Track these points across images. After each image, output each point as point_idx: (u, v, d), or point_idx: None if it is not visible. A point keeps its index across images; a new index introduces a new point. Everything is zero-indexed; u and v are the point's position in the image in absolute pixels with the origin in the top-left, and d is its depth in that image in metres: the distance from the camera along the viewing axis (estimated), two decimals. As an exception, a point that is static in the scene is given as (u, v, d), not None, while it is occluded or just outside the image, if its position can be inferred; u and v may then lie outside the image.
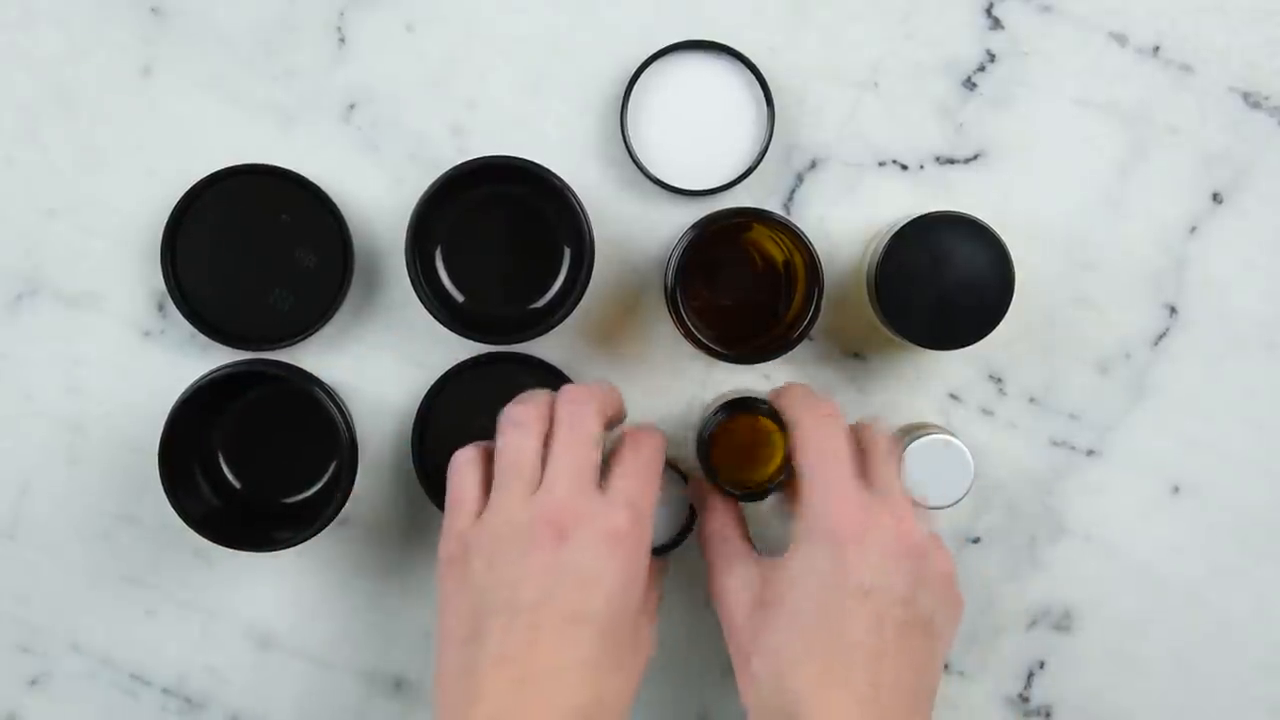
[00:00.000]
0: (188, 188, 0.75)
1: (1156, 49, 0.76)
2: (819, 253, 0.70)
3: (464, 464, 0.67)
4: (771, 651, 0.62)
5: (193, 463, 0.76)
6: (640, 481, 0.64)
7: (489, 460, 0.67)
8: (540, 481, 0.63)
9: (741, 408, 0.71)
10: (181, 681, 0.80)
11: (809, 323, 0.70)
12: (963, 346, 0.71)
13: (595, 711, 0.59)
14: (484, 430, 0.76)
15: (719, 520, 0.70)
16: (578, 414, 0.65)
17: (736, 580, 0.66)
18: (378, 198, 0.77)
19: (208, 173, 0.75)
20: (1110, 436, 0.78)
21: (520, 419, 0.65)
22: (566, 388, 0.67)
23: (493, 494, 0.64)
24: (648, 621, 0.65)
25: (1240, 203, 0.77)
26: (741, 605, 0.65)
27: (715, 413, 0.71)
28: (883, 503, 0.64)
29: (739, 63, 0.75)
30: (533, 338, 0.73)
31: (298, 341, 0.76)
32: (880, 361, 0.78)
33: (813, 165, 0.77)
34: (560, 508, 0.61)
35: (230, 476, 0.78)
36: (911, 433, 0.74)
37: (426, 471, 0.76)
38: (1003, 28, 0.76)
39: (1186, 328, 0.77)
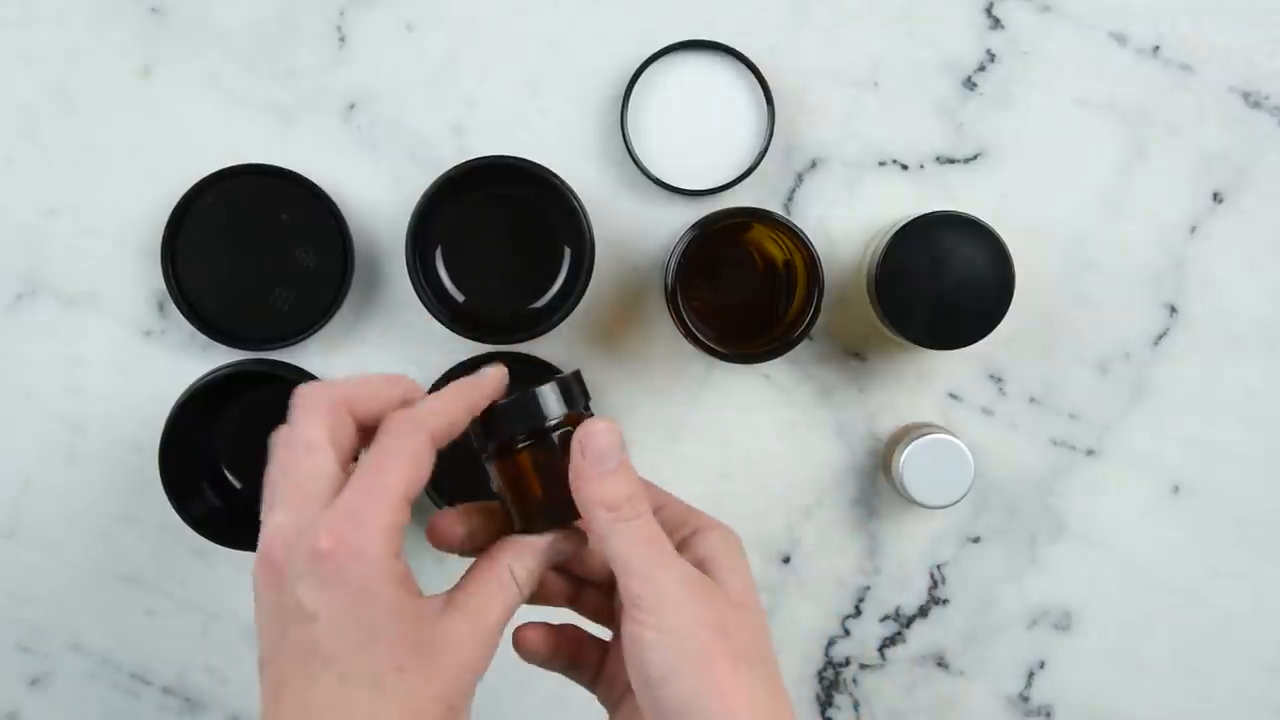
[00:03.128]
0: (188, 188, 0.75)
1: (1156, 49, 0.76)
2: (819, 253, 0.70)
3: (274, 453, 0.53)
4: None
5: (193, 462, 0.76)
6: (362, 485, 0.50)
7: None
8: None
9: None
10: (181, 681, 0.80)
11: (809, 323, 0.70)
12: (963, 346, 0.71)
13: None
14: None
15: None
16: (292, 418, 0.52)
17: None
18: (378, 198, 0.77)
19: (208, 173, 0.75)
20: (1110, 436, 0.78)
21: (290, 440, 0.52)
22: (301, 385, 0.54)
23: None
24: (461, 627, 0.52)
25: (1240, 203, 0.77)
26: None
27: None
28: None
29: (739, 63, 0.75)
30: (533, 338, 0.73)
31: (298, 341, 0.76)
32: (880, 361, 0.78)
33: (813, 165, 0.77)
34: (269, 540, 0.50)
35: (230, 476, 0.78)
36: (911, 433, 0.74)
37: (426, 471, 0.76)
38: (1003, 27, 0.76)
39: (1186, 328, 0.77)
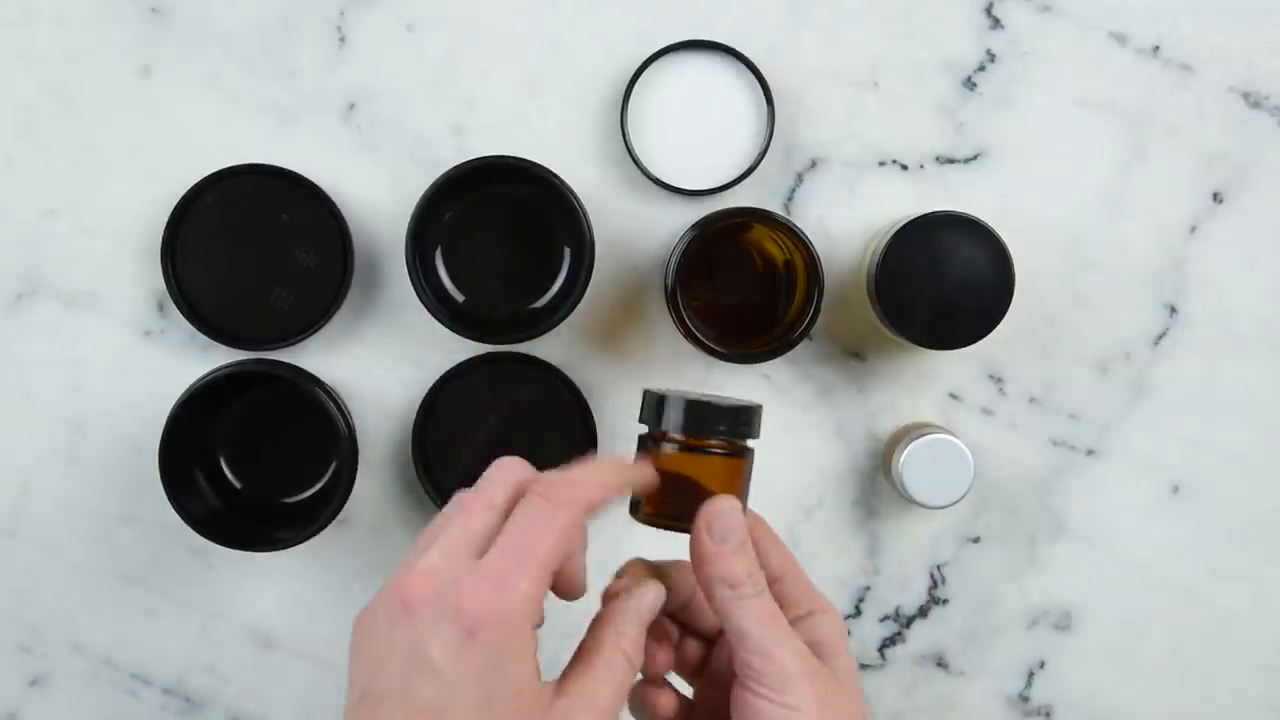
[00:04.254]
0: (188, 188, 0.75)
1: (1156, 49, 0.76)
2: (819, 253, 0.70)
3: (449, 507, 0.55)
4: None
5: (193, 463, 0.76)
6: (513, 550, 0.50)
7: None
8: None
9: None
10: (181, 681, 0.80)
11: (809, 323, 0.70)
12: (963, 346, 0.71)
13: None
14: (484, 430, 0.77)
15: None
16: (485, 484, 0.54)
17: None
18: (378, 198, 0.77)
19: (208, 173, 0.75)
20: (1110, 436, 0.78)
21: (458, 498, 0.54)
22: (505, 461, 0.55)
23: None
24: (581, 712, 0.52)
25: (1240, 203, 0.77)
26: None
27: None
28: None
29: (739, 63, 0.75)
30: (533, 338, 0.73)
31: (298, 341, 0.76)
32: (880, 361, 0.78)
33: (813, 165, 0.77)
34: (415, 579, 0.50)
35: (230, 476, 0.78)
36: (911, 433, 0.74)
37: (427, 471, 0.76)
38: (1003, 27, 0.76)
39: (1186, 328, 0.77)
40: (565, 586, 0.57)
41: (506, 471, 0.54)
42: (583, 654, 0.54)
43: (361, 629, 0.52)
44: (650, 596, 0.56)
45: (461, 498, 0.54)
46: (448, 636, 0.49)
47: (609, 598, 0.56)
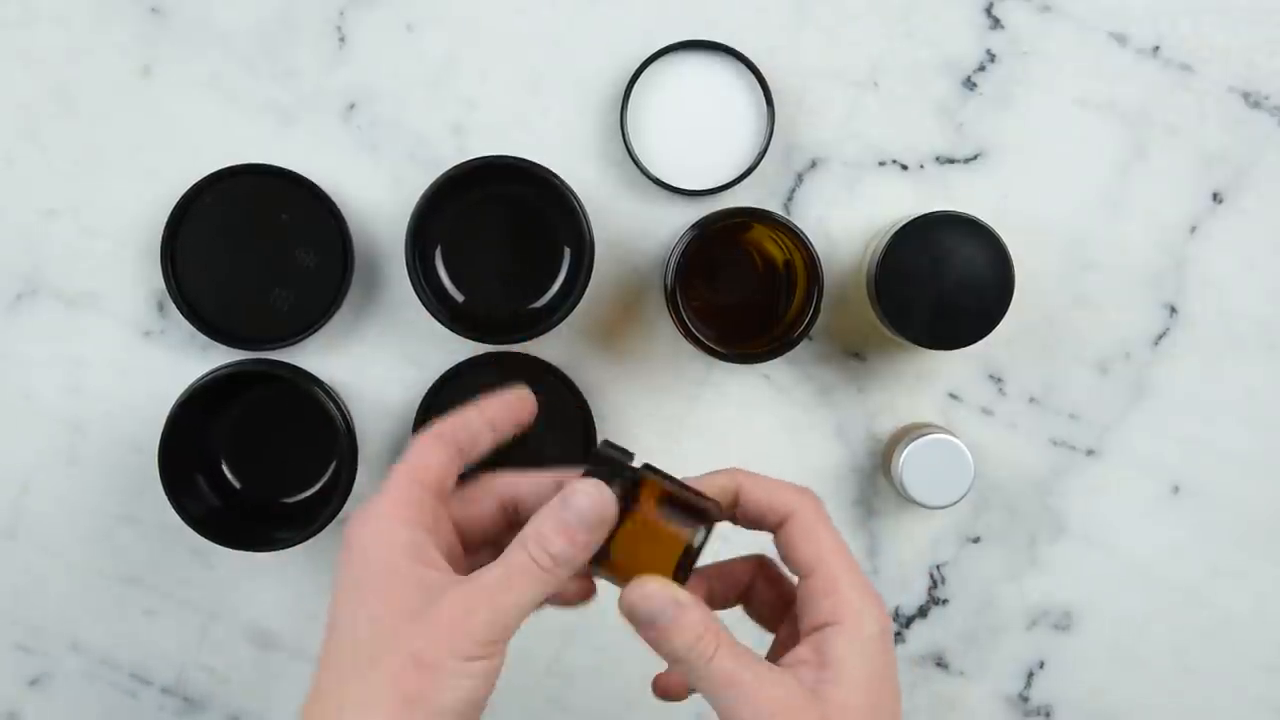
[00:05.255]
0: (188, 188, 0.75)
1: (1156, 49, 0.76)
2: (819, 253, 0.70)
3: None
4: None
5: (193, 462, 0.76)
6: (395, 469, 0.54)
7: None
8: None
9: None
10: (181, 681, 0.80)
11: (809, 323, 0.70)
12: (963, 346, 0.71)
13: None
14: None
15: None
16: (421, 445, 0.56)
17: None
18: (378, 198, 0.77)
19: (208, 173, 0.75)
20: (1110, 436, 0.78)
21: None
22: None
23: None
24: (468, 595, 0.51)
25: (1240, 203, 0.77)
26: None
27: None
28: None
29: (739, 63, 0.75)
30: (533, 338, 0.73)
31: (298, 341, 0.76)
32: (880, 361, 0.78)
33: (813, 165, 0.77)
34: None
35: (230, 476, 0.78)
36: (911, 433, 0.74)
37: (426, 471, 0.76)
38: (1003, 27, 0.76)
39: (1186, 328, 0.77)
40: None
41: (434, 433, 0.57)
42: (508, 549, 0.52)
43: None
44: (584, 501, 0.53)
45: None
46: (338, 558, 0.52)
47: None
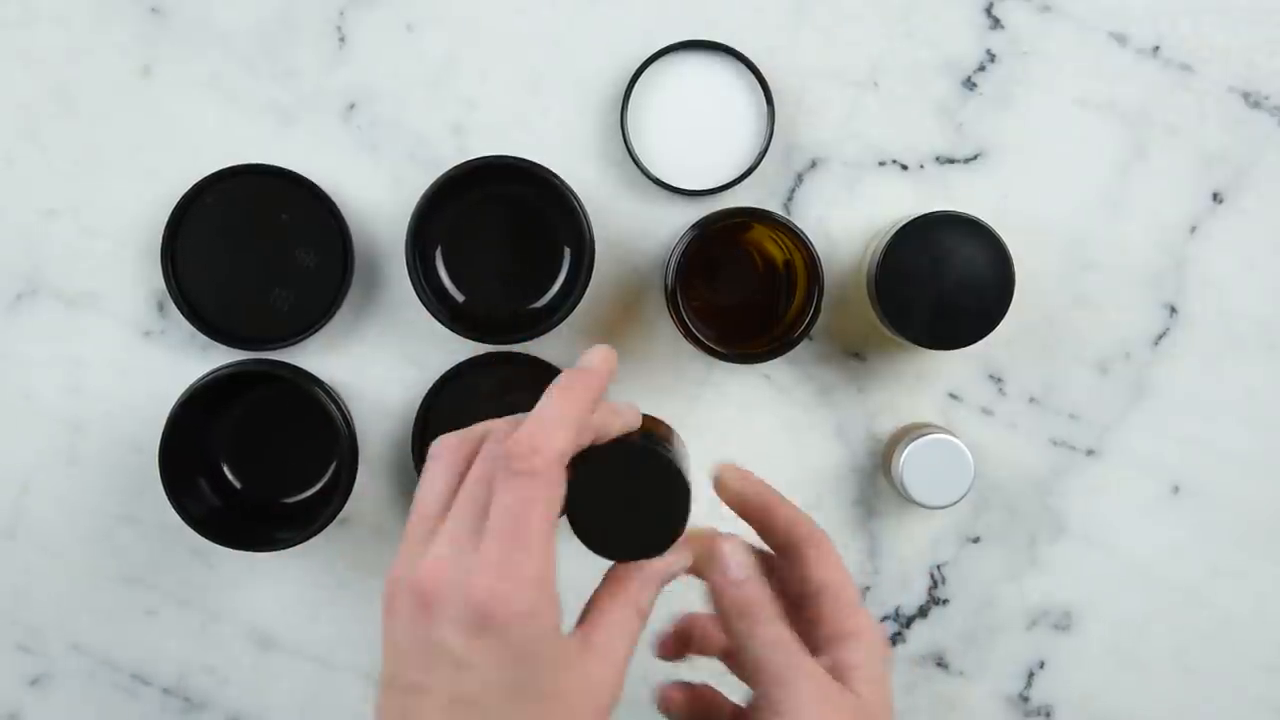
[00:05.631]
0: (188, 188, 0.75)
1: (1156, 49, 0.76)
2: (819, 253, 0.70)
3: (430, 462, 0.56)
4: None
5: (193, 462, 0.76)
6: (508, 534, 0.51)
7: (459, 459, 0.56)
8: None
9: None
10: (181, 681, 0.80)
11: (809, 323, 0.70)
12: (963, 346, 0.71)
13: None
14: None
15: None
16: (491, 453, 0.54)
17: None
18: (378, 198, 0.77)
19: (208, 173, 0.75)
20: (1110, 436, 0.78)
21: (437, 452, 0.55)
22: (496, 422, 0.55)
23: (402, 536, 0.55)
24: (599, 664, 0.53)
25: (1240, 203, 0.77)
26: None
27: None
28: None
29: (739, 63, 0.75)
30: (533, 338, 0.73)
31: (298, 341, 0.76)
32: (880, 361, 0.78)
33: (813, 165, 0.77)
34: (427, 572, 0.51)
35: (230, 476, 0.78)
36: (911, 433, 0.74)
37: (426, 471, 0.76)
38: (1003, 28, 0.76)
39: (1186, 328, 0.77)
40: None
41: (490, 445, 0.54)
42: (602, 610, 0.54)
43: (387, 614, 0.53)
44: (671, 561, 0.56)
45: (473, 470, 0.53)
46: (463, 628, 0.50)
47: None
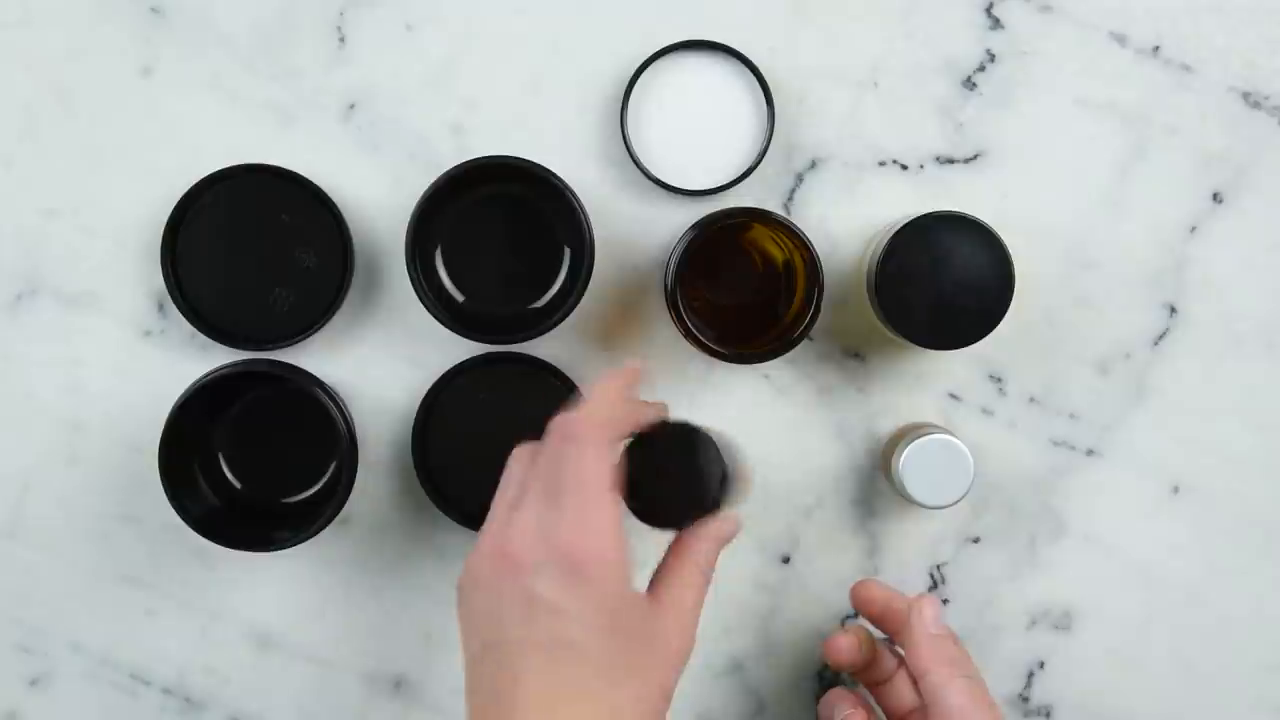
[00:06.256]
0: (188, 188, 0.75)
1: (1156, 49, 0.76)
2: (819, 253, 0.70)
3: (509, 465, 0.64)
4: None
5: (193, 463, 0.76)
6: (573, 492, 0.58)
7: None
8: None
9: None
10: (181, 681, 0.80)
11: (809, 323, 0.70)
12: (963, 346, 0.71)
13: None
14: (484, 430, 0.76)
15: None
16: (550, 441, 0.61)
17: None
18: (378, 198, 0.77)
19: (208, 173, 0.76)
20: (1110, 436, 0.78)
21: (519, 455, 0.64)
22: (560, 416, 0.62)
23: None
24: (675, 618, 0.61)
25: (1240, 203, 0.77)
26: None
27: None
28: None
29: (739, 63, 0.75)
30: (533, 338, 0.73)
31: (298, 341, 0.76)
32: (880, 361, 0.78)
33: (813, 165, 0.77)
34: (512, 535, 0.59)
35: (230, 476, 0.78)
36: (911, 433, 0.74)
37: (427, 471, 0.76)
38: (1003, 28, 0.76)
39: (1186, 328, 0.77)
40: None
41: (577, 420, 0.61)
42: (673, 568, 0.62)
43: (468, 589, 0.60)
44: (726, 525, 0.64)
45: (539, 455, 0.61)
46: (555, 578, 0.57)
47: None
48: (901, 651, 0.70)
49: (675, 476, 0.63)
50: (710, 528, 0.63)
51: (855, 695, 0.72)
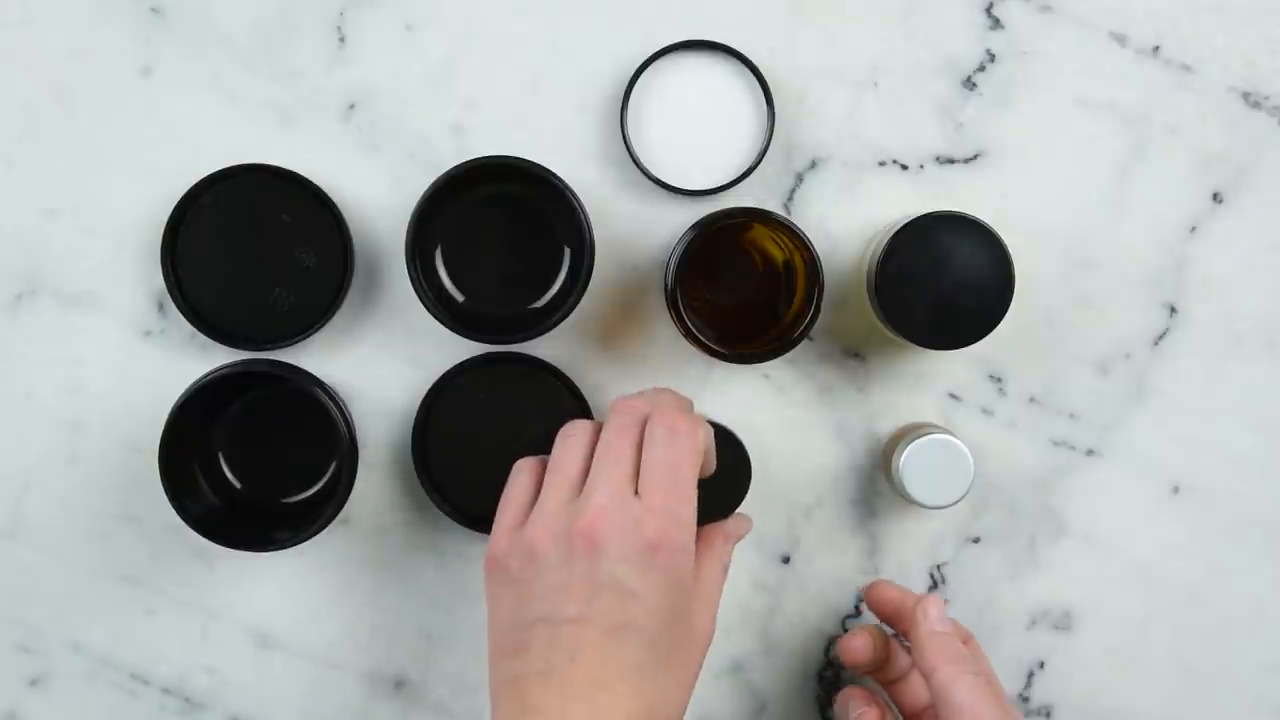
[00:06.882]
0: (188, 188, 0.75)
1: (1156, 49, 0.76)
2: (819, 253, 0.70)
3: (520, 469, 0.67)
4: None
5: (193, 463, 0.76)
6: (669, 484, 0.62)
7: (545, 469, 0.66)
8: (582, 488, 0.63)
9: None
10: (181, 681, 0.80)
11: (809, 323, 0.70)
12: (963, 346, 0.71)
13: (646, 716, 0.60)
14: (484, 430, 0.76)
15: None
16: (625, 424, 0.64)
17: None
18: (378, 198, 0.77)
19: (208, 173, 0.75)
20: (1110, 436, 0.78)
21: (571, 431, 0.66)
22: (619, 399, 0.66)
23: (539, 499, 0.64)
24: (704, 608, 0.65)
25: (1240, 203, 0.77)
26: None
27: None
28: None
29: (739, 63, 0.75)
30: (533, 338, 0.73)
31: (298, 341, 0.76)
32: (880, 361, 0.78)
33: (813, 165, 0.77)
34: (595, 517, 0.60)
35: (230, 476, 0.78)
36: (911, 433, 0.74)
37: (427, 471, 0.76)
38: (1003, 28, 0.76)
39: (1186, 328, 0.77)
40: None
41: (631, 414, 0.64)
42: (700, 562, 0.65)
43: (517, 568, 0.62)
44: (740, 523, 0.70)
45: (608, 441, 0.63)
46: (634, 563, 0.60)
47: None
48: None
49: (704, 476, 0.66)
50: (730, 527, 0.69)
51: (869, 693, 0.73)
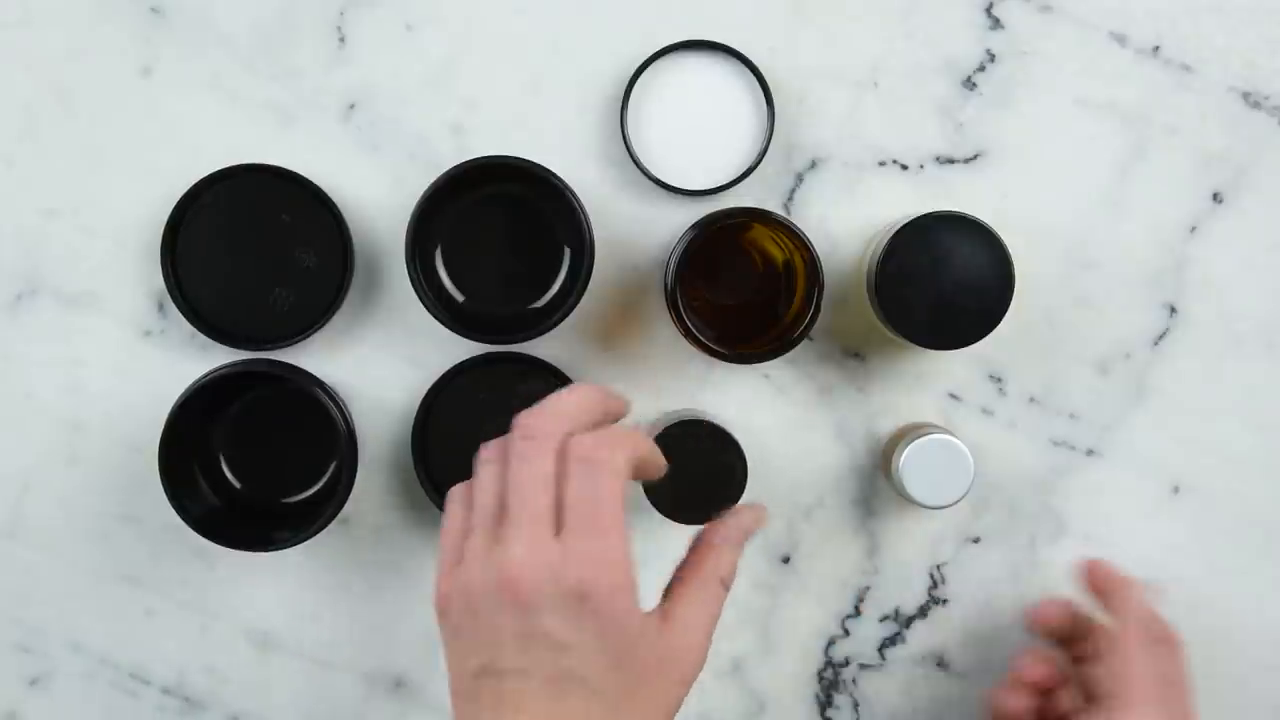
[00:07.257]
0: (188, 188, 0.75)
1: (1156, 49, 0.76)
2: (819, 253, 0.70)
3: (453, 498, 0.60)
4: None
5: (193, 463, 0.76)
6: (588, 523, 0.55)
7: None
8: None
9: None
10: (181, 681, 0.80)
11: (809, 323, 0.70)
12: (963, 346, 0.71)
13: None
14: (484, 431, 0.76)
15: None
16: (529, 450, 0.57)
17: None
18: (378, 198, 0.77)
19: (208, 173, 0.75)
20: (1110, 436, 0.78)
21: (487, 457, 0.59)
22: (522, 414, 0.58)
23: (466, 542, 0.58)
24: (680, 639, 0.58)
25: (1240, 203, 0.77)
26: None
27: None
28: None
29: (739, 63, 0.75)
30: (533, 338, 0.73)
31: (298, 341, 0.76)
32: (880, 361, 0.78)
33: (813, 165, 0.77)
34: (515, 572, 0.55)
35: (230, 476, 0.78)
36: (911, 433, 0.74)
37: (427, 471, 0.76)
38: (1003, 28, 0.76)
39: (1186, 328, 0.77)
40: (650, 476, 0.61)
41: (543, 435, 0.57)
42: (683, 580, 0.60)
43: (459, 613, 0.56)
44: (749, 519, 0.62)
45: (519, 478, 0.56)
46: (561, 615, 0.54)
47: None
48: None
49: (694, 472, 0.66)
50: (731, 531, 0.62)
51: (1049, 655, 0.72)
